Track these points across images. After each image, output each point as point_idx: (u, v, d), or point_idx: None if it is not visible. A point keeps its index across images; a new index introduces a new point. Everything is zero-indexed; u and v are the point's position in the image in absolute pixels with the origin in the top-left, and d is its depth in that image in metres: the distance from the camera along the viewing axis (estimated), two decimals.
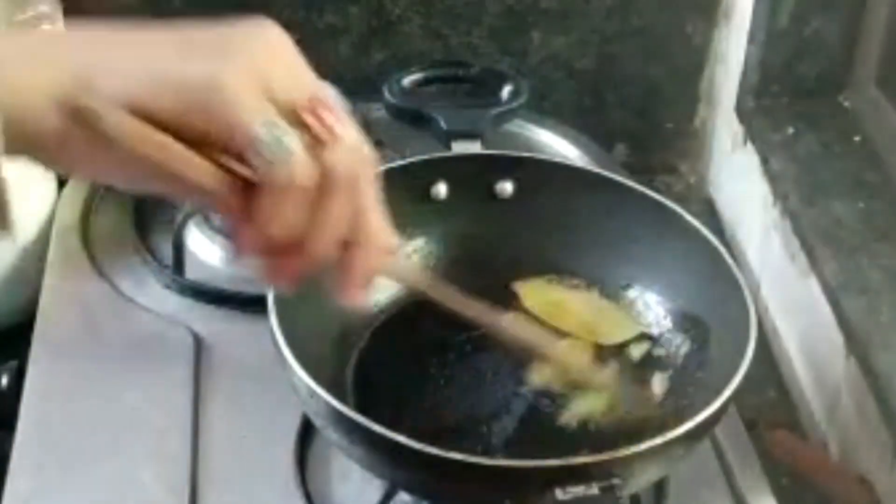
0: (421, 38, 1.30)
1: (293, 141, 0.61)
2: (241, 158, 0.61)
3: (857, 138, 1.20)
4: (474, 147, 1.05)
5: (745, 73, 1.26)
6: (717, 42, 1.34)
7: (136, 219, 1.12)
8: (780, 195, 1.17)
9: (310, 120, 0.62)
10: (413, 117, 1.12)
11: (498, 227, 1.01)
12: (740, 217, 1.30)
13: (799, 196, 1.14)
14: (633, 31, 1.32)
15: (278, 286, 0.70)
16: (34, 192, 1.10)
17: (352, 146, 0.64)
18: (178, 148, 0.60)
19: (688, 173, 1.42)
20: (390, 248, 0.69)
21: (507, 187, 1.00)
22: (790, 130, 1.22)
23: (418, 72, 1.15)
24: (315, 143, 0.62)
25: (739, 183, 1.30)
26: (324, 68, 1.34)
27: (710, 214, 1.35)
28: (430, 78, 1.15)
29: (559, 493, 0.74)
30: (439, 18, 1.29)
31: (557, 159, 1.04)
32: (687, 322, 0.95)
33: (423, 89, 1.15)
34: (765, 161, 1.21)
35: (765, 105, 1.26)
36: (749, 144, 1.26)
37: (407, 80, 1.13)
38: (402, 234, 0.98)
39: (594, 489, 0.74)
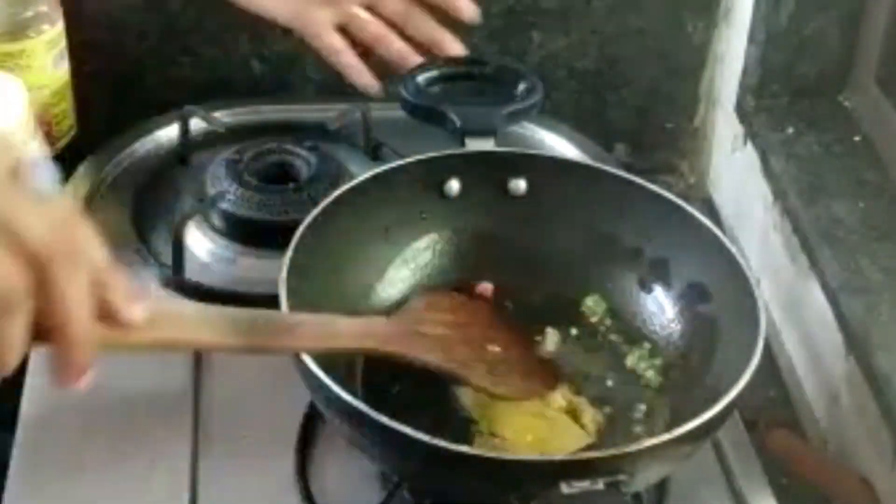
0: None
1: None
2: None
3: (857, 138, 1.20)
4: (488, 144, 1.05)
5: (745, 73, 1.26)
6: (717, 42, 1.34)
7: (136, 219, 1.12)
8: (780, 195, 1.17)
9: None
10: (428, 114, 1.11)
11: (511, 224, 1.01)
12: (740, 217, 1.30)
13: (799, 196, 1.14)
14: (633, 31, 1.32)
15: (69, 383, 0.67)
16: None
17: (39, 246, 0.61)
18: None
19: (688, 173, 1.42)
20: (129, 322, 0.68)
21: (520, 185, 1.00)
22: (790, 130, 1.22)
23: (434, 69, 1.14)
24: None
25: (739, 183, 1.30)
26: (324, 68, 1.35)
27: (710, 214, 1.35)
28: (445, 75, 1.15)
29: (564, 488, 0.74)
30: (439, 18, 1.29)
31: (571, 157, 1.04)
32: (697, 321, 0.95)
33: (439, 86, 1.15)
34: (765, 161, 1.21)
35: (765, 105, 1.26)
36: (749, 144, 1.26)
37: (422, 78, 1.13)
38: (415, 229, 0.99)
39: (599, 484, 0.74)
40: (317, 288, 0.90)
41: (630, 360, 0.95)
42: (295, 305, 0.84)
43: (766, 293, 1.21)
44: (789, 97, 1.25)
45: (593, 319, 0.99)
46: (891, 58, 1.18)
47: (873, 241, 1.07)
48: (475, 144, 1.04)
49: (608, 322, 0.98)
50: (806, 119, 1.23)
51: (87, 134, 1.23)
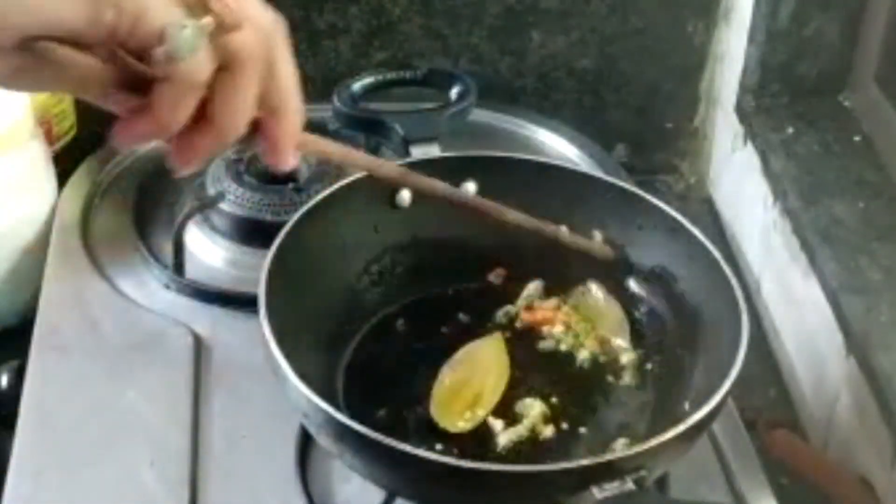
0: (421, 38, 1.30)
1: (197, 36, 0.61)
2: (138, 53, 0.62)
3: (857, 138, 1.20)
4: (433, 150, 1.04)
5: (745, 73, 1.26)
6: (717, 42, 1.34)
7: (136, 219, 1.12)
8: (780, 195, 1.17)
9: (215, 5, 0.62)
10: (367, 125, 1.11)
11: (466, 227, 1.00)
12: (740, 217, 1.30)
13: (799, 196, 1.14)
14: (633, 31, 1.32)
15: (186, 165, 0.69)
16: (34, 192, 1.10)
17: (259, 25, 0.65)
18: (59, 49, 0.61)
19: (688, 173, 1.42)
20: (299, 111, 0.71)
21: (470, 187, 1.00)
22: (790, 130, 1.22)
23: (366, 77, 1.14)
24: (221, 27, 0.63)
25: (739, 183, 1.30)
26: (324, 68, 1.35)
27: (710, 214, 1.35)
28: (378, 83, 1.14)
29: (596, 492, 0.74)
30: (439, 18, 1.29)
31: (516, 155, 1.04)
32: (666, 303, 0.95)
33: (373, 95, 1.14)
34: (765, 161, 1.21)
35: (765, 105, 1.26)
36: (749, 144, 1.26)
37: (356, 87, 1.12)
38: (372, 244, 0.98)
39: (628, 483, 0.74)
40: (297, 298, 0.90)
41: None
42: (274, 315, 0.83)
43: (766, 293, 1.21)
44: (789, 97, 1.25)
45: (559, 314, 0.98)
46: (891, 58, 1.18)
47: (873, 241, 1.07)
48: (420, 151, 1.04)
49: (573, 315, 0.98)
50: (806, 119, 1.23)
51: (87, 134, 1.23)
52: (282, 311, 0.85)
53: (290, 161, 0.71)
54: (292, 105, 0.69)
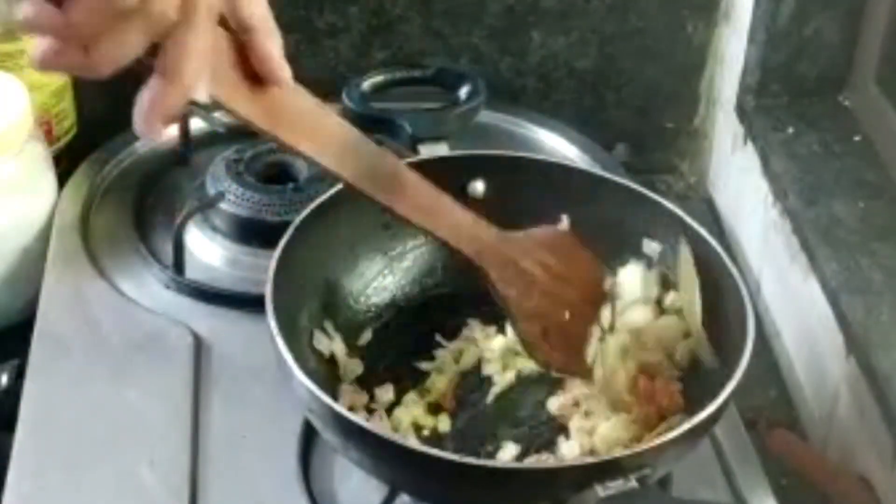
0: (421, 38, 1.30)
1: None
2: None
3: (857, 138, 1.20)
4: (441, 149, 1.04)
5: (745, 73, 1.26)
6: (717, 42, 1.34)
7: (136, 219, 1.12)
8: (780, 195, 1.17)
9: None
10: (377, 124, 1.11)
11: None
12: (740, 217, 1.30)
13: (799, 196, 1.14)
14: (633, 31, 1.32)
15: (151, 120, 0.64)
16: (34, 192, 1.10)
17: None
18: None
19: (688, 173, 1.42)
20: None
21: (478, 187, 1.00)
22: (790, 130, 1.22)
23: (376, 75, 1.13)
24: None
25: (739, 183, 1.30)
26: (324, 68, 1.34)
27: (710, 214, 1.35)
28: (388, 82, 1.14)
29: (599, 490, 0.74)
30: (439, 18, 1.29)
31: (525, 154, 1.04)
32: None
33: (383, 94, 1.14)
34: (765, 161, 1.21)
35: (765, 105, 1.26)
36: (749, 144, 1.26)
37: (366, 85, 1.12)
38: (380, 242, 0.98)
39: (632, 481, 0.75)
40: (300, 303, 0.90)
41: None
42: (282, 312, 0.83)
43: (766, 293, 1.21)
44: (789, 97, 1.25)
45: None
46: (891, 58, 1.18)
47: (873, 241, 1.07)
48: (428, 150, 1.03)
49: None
50: (806, 119, 1.23)
51: (87, 134, 1.23)
52: (288, 307, 0.85)
53: (155, 131, 0.65)
54: (269, 24, 0.68)
